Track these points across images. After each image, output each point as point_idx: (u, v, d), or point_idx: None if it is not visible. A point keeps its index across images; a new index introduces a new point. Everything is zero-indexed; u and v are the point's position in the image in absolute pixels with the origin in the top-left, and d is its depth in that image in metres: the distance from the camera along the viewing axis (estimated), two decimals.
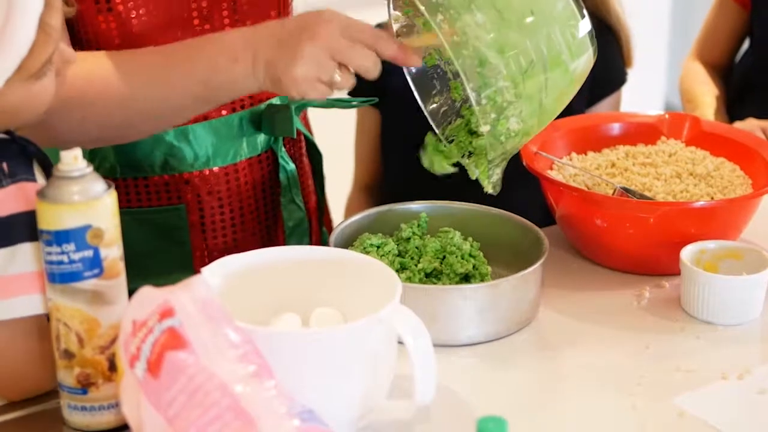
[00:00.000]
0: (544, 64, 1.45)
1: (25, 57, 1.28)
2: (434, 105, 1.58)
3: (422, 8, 1.41)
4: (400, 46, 1.45)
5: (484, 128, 1.43)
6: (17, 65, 1.28)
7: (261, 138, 1.72)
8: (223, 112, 1.67)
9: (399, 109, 1.89)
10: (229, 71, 1.47)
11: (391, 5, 1.52)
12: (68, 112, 1.46)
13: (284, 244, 1.76)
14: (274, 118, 1.69)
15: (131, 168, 1.65)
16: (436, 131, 1.56)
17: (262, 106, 1.71)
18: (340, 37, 1.42)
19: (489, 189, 1.53)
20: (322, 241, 1.87)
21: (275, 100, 1.72)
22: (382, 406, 1.32)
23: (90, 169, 1.26)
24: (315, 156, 1.83)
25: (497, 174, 1.51)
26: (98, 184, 1.26)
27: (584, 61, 1.50)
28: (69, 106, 1.45)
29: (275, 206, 1.76)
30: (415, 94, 1.57)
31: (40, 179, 1.33)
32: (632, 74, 2.52)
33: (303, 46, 1.41)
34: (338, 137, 2.68)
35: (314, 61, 1.41)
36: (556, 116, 1.52)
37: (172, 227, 1.69)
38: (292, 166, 1.75)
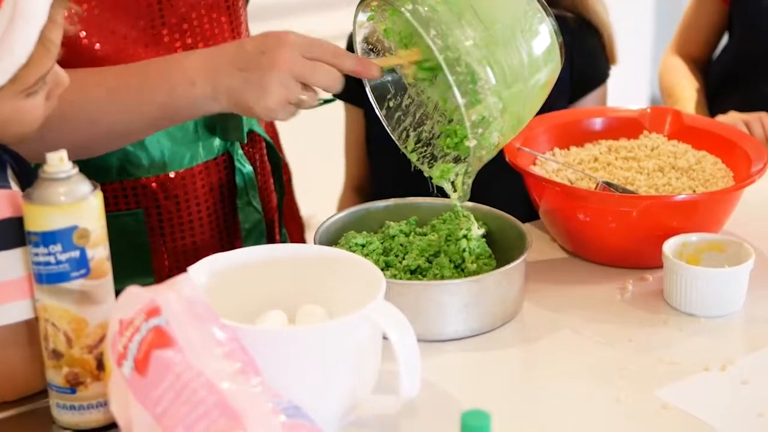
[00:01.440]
0: (525, 77, 1.47)
1: (22, 68, 1.29)
2: (389, 108, 1.60)
3: (415, 23, 1.43)
4: (359, 60, 1.50)
5: (471, 143, 1.45)
6: (13, 74, 1.29)
7: (217, 141, 1.72)
8: None
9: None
10: (187, 95, 1.49)
11: (358, 25, 1.56)
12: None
13: (242, 247, 1.77)
14: (225, 124, 1.70)
15: (87, 174, 1.64)
16: (392, 136, 1.60)
17: None
18: (301, 58, 1.46)
19: (456, 199, 1.56)
20: (283, 242, 1.87)
21: None
22: (367, 401, 1.33)
23: (76, 170, 1.27)
24: (273, 158, 1.84)
25: (468, 184, 1.54)
26: (84, 185, 1.27)
27: (554, 65, 1.52)
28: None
29: (233, 208, 1.76)
30: (372, 100, 1.61)
31: (14, 186, 1.33)
32: (617, 69, 2.53)
33: (268, 76, 1.45)
34: (330, 137, 2.69)
35: (282, 87, 1.46)
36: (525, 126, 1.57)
37: (131, 232, 1.68)
38: (248, 168, 1.76)
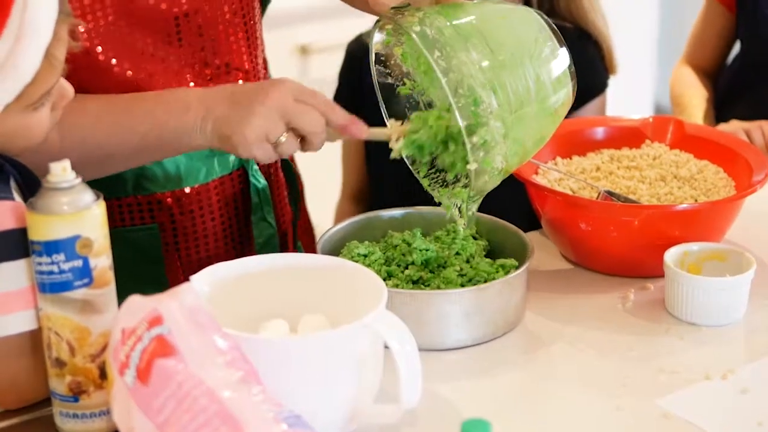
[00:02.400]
0: (531, 103, 1.48)
1: (27, 85, 1.30)
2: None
3: (420, 44, 1.44)
4: (350, 117, 1.49)
5: (472, 165, 1.45)
6: (19, 92, 1.30)
7: (232, 156, 1.71)
8: None
9: (379, 118, 1.91)
10: (179, 120, 1.49)
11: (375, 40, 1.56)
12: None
13: None
14: None
15: (103, 188, 1.64)
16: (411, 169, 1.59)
17: None
18: (291, 99, 1.46)
19: (461, 225, 1.56)
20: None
21: None
22: (369, 410, 1.33)
23: (79, 180, 1.27)
24: (288, 170, 1.84)
25: (472, 210, 1.54)
26: (87, 195, 1.28)
27: (564, 94, 1.53)
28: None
29: (248, 222, 1.76)
30: (385, 117, 1.61)
31: (17, 198, 1.34)
32: (621, 78, 2.53)
33: (255, 106, 1.45)
34: (330, 145, 2.69)
35: (265, 120, 1.45)
36: (534, 154, 1.57)
37: (146, 246, 1.69)
38: (263, 183, 1.76)
